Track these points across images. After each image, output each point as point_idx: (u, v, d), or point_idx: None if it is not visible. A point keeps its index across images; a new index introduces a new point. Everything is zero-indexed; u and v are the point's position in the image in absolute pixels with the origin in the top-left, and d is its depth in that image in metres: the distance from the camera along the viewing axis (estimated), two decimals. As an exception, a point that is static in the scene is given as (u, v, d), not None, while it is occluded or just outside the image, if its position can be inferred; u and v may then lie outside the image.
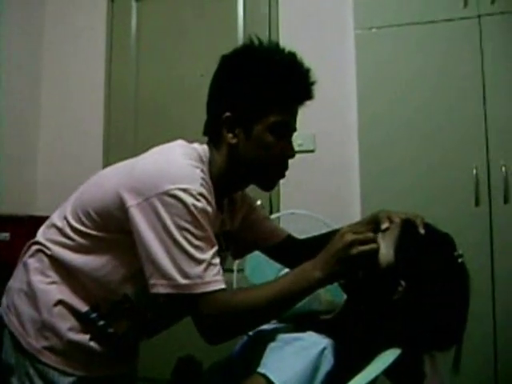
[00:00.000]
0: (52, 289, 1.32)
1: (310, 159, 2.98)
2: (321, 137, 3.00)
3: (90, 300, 1.32)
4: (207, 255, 1.18)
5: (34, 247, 1.39)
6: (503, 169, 2.37)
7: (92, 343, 1.33)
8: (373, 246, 1.18)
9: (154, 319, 1.42)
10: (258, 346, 1.22)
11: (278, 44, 1.38)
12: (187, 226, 1.16)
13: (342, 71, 2.96)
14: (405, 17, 2.63)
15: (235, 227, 1.56)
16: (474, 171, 2.41)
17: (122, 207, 1.21)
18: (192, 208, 1.16)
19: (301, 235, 1.75)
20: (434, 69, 2.57)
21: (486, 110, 2.44)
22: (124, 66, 3.58)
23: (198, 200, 1.18)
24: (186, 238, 1.16)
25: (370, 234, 1.20)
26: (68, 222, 1.34)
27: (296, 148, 2.77)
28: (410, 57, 2.62)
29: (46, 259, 1.35)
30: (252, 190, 1.50)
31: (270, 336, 1.22)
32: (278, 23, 3.19)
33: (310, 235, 1.70)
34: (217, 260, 1.21)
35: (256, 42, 1.35)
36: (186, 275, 1.15)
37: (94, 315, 1.33)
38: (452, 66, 2.54)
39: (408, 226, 1.25)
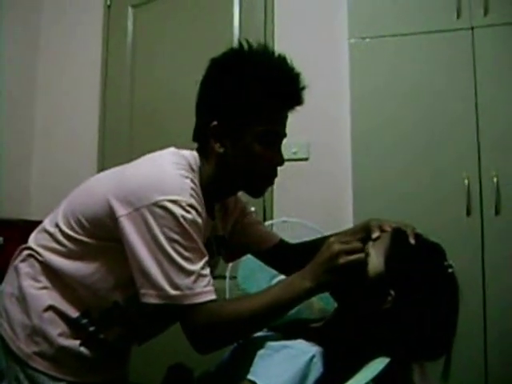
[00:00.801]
0: (43, 294, 1.32)
1: (304, 167, 2.99)
2: (315, 145, 3.02)
3: (80, 306, 1.32)
4: (197, 266, 1.18)
5: (26, 252, 1.39)
6: (495, 179, 2.38)
7: (82, 349, 1.33)
8: (359, 256, 1.18)
9: (145, 326, 1.42)
10: (248, 353, 1.22)
11: (267, 48, 1.35)
12: (177, 237, 1.17)
13: (336, 80, 2.97)
14: (399, 27, 2.64)
15: (227, 231, 1.56)
16: (466, 181, 2.41)
17: (112, 216, 1.22)
18: (181, 220, 1.17)
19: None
20: (428, 79, 2.58)
21: (479, 121, 2.45)
22: (120, 71, 3.59)
23: (187, 211, 1.18)
24: (175, 250, 1.16)
25: (357, 244, 1.20)
26: (59, 227, 1.34)
27: (290, 156, 2.86)
28: (403, 67, 2.63)
29: (37, 264, 1.35)
30: (244, 196, 1.51)
31: (260, 343, 1.22)
32: (273, 31, 3.20)
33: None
34: (207, 270, 1.21)
35: (245, 45, 1.33)
36: (176, 286, 1.15)
37: (84, 321, 1.32)
38: (445, 77, 2.55)
39: (399, 235, 1.26)
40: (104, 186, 1.28)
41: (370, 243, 1.26)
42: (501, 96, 2.46)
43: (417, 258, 1.21)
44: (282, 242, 1.66)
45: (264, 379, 1.09)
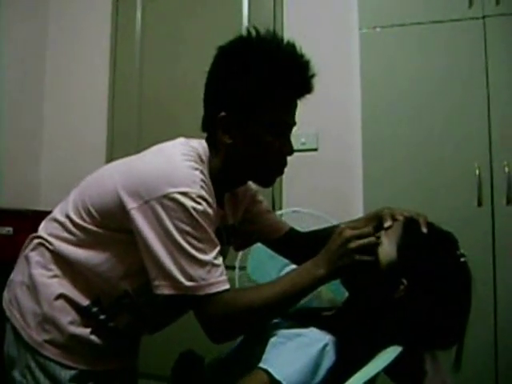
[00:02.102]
0: (53, 282, 1.33)
1: (313, 158, 2.99)
2: (324, 135, 3.01)
3: (91, 294, 1.33)
4: (210, 256, 1.19)
5: (36, 241, 1.39)
6: (506, 169, 2.36)
7: (93, 337, 1.33)
8: (370, 239, 1.19)
9: (155, 315, 1.42)
10: (260, 341, 1.22)
11: (276, 35, 1.33)
12: (188, 229, 1.17)
13: (347, 70, 2.96)
14: (409, 16, 2.62)
15: (237, 220, 1.56)
16: (477, 171, 2.40)
17: (123, 208, 1.21)
18: (192, 211, 1.17)
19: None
20: (438, 68, 2.56)
21: (490, 111, 2.44)
22: (128, 63, 3.58)
23: (198, 203, 1.18)
24: (187, 241, 1.16)
25: (367, 229, 1.21)
26: (69, 217, 1.34)
27: (299, 146, 2.85)
28: (414, 56, 2.61)
29: (47, 253, 1.35)
30: (254, 185, 1.50)
31: (272, 332, 1.22)
32: (282, 22, 3.19)
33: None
34: (219, 260, 1.21)
35: (253, 33, 1.31)
36: (190, 277, 1.16)
37: (95, 309, 1.33)
38: (456, 66, 2.53)
39: (411, 224, 1.25)
40: (114, 178, 1.28)
41: (383, 232, 1.26)
42: (512, 85, 2.44)
43: (429, 247, 1.21)
44: (292, 230, 1.66)
45: (276, 367, 1.09)
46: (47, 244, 1.35)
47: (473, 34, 2.51)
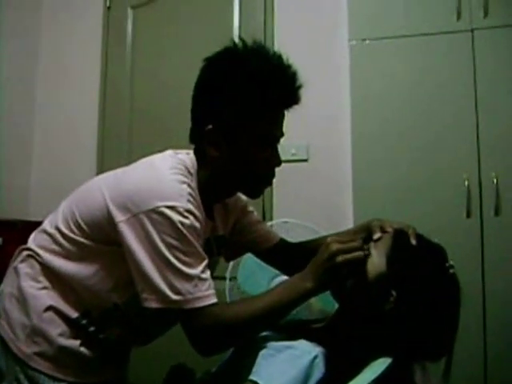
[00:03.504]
0: (42, 294, 1.32)
1: (303, 169, 2.99)
2: (314, 146, 3.01)
3: (80, 306, 1.32)
4: (197, 270, 1.19)
5: (25, 253, 1.39)
6: (495, 181, 2.38)
7: (82, 349, 1.33)
8: (357, 254, 1.19)
9: (145, 327, 1.42)
10: (250, 353, 1.22)
11: (262, 46, 1.32)
12: (175, 243, 1.17)
13: (336, 81, 2.97)
14: (399, 29, 2.64)
15: (228, 230, 1.56)
16: (466, 183, 2.41)
17: (111, 221, 1.22)
18: (179, 225, 1.17)
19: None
20: (428, 80, 2.58)
21: (479, 123, 2.45)
22: (119, 72, 3.58)
23: (185, 217, 1.18)
24: (174, 255, 1.17)
25: (355, 243, 1.21)
26: (59, 228, 1.34)
27: (289, 157, 2.86)
28: (403, 68, 2.63)
29: (37, 265, 1.35)
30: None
31: (262, 344, 1.22)
32: (273, 33, 3.20)
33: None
34: (207, 274, 1.22)
35: (240, 45, 1.30)
36: (177, 291, 1.16)
37: (84, 321, 1.32)
38: (445, 78, 2.55)
39: (400, 236, 1.26)
40: (102, 191, 1.28)
41: (372, 244, 1.26)
42: (501, 97, 2.46)
43: (418, 259, 1.22)
44: (282, 241, 1.66)
45: (266, 380, 1.09)
46: (36, 256, 1.35)
47: (461, 47, 2.53)
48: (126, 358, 1.55)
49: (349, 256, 1.18)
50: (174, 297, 1.16)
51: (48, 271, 1.33)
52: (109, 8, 3.67)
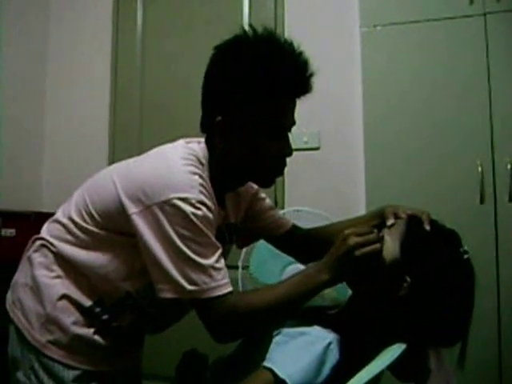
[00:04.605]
0: (56, 283, 1.33)
1: (315, 157, 2.99)
2: (326, 134, 3.00)
3: (93, 295, 1.33)
4: (211, 260, 1.19)
5: (39, 242, 1.39)
6: (508, 166, 2.36)
7: (96, 337, 1.33)
8: (375, 246, 1.18)
9: (159, 315, 1.42)
10: (263, 340, 1.22)
11: (273, 34, 1.29)
12: (188, 234, 1.17)
13: (348, 69, 2.96)
14: (410, 14, 2.62)
15: (240, 218, 1.56)
16: (479, 168, 2.40)
17: (124, 213, 1.22)
18: (192, 217, 1.17)
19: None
20: (440, 66, 2.56)
21: (492, 108, 2.44)
22: (130, 63, 3.58)
23: (197, 208, 1.18)
24: (188, 246, 1.17)
25: (372, 236, 1.20)
26: (72, 219, 1.34)
27: (301, 145, 2.85)
28: (415, 54, 2.61)
29: (50, 254, 1.35)
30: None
31: (276, 330, 1.22)
32: (283, 21, 3.19)
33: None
34: (221, 263, 1.22)
35: (250, 32, 1.28)
36: (192, 282, 1.16)
37: (97, 310, 1.33)
38: (457, 64, 2.53)
39: (414, 221, 1.25)
40: (114, 181, 1.27)
41: (386, 230, 1.26)
42: (514, 82, 2.43)
43: (432, 245, 1.21)
44: (294, 227, 1.66)
45: (280, 366, 1.09)
46: (50, 246, 1.36)
47: (474, 31, 2.51)
48: (140, 346, 1.55)
49: (367, 249, 1.17)
50: (190, 287, 1.16)
51: (61, 260, 1.34)
52: (118, -1, 3.67)
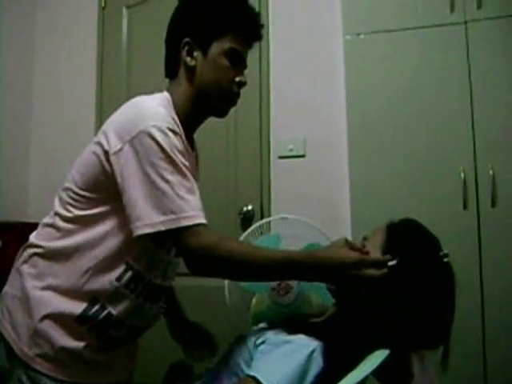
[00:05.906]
0: (45, 295, 1.33)
1: (301, 164, 2.98)
2: (311, 142, 3.00)
3: (87, 295, 1.33)
4: (181, 191, 1.23)
5: (28, 251, 1.40)
6: (491, 172, 2.38)
7: (85, 351, 1.33)
8: (383, 271, 1.17)
9: (158, 282, 1.44)
10: (248, 349, 1.23)
11: None
12: (159, 162, 1.22)
13: (332, 76, 2.97)
14: (393, 23, 2.64)
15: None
16: (462, 174, 2.42)
17: (103, 165, 1.29)
18: (163, 144, 1.23)
19: (292, 240, 1.75)
20: (422, 74, 2.58)
21: (474, 115, 2.46)
22: (115, 72, 3.57)
23: (166, 135, 1.24)
24: (159, 174, 1.22)
25: (382, 257, 1.21)
26: (57, 213, 1.38)
27: (287, 153, 2.85)
28: (398, 62, 2.63)
29: (40, 261, 1.36)
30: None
31: (260, 339, 1.23)
32: (267, 29, 3.19)
33: (300, 239, 1.72)
34: (192, 195, 1.25)
35: None
36: (162, 212, 1.20)
37: (94, 309, 1.33)
38: (440, 71, 2.55)
39: (393, 227, 1.28)
40: (91, 148, 1.37)
41: (365, 242, 1.28)
42: (495, 89, 2.46)
43: (412, 249, 1.23)
44: None
45: (265, 374, 1.10)
46: (38, 250, 1.37)
47: (455, 39, 2.53)
48: (131, 359, 1.54)
49: (376, 273, 1.17)
50: (160, 218, 1.20)
51: (52, 259, 1.35)
52: (104, 8, 3.66)
